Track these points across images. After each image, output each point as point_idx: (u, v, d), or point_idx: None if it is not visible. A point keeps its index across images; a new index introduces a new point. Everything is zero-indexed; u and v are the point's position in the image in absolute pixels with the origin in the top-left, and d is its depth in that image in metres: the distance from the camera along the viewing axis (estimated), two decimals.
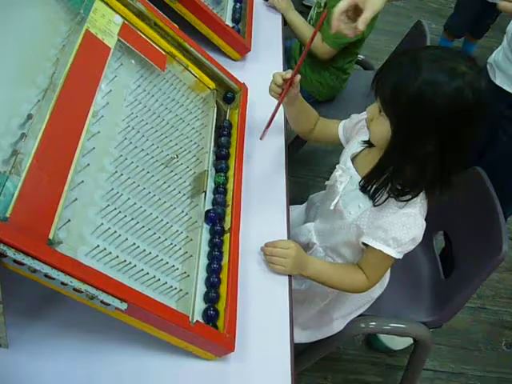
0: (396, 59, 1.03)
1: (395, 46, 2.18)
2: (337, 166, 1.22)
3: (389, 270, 1.34)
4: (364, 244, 1.14)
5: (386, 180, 1.05)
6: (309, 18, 2.02)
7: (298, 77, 1.16)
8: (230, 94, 1.31)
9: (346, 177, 1.17)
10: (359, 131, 1.22)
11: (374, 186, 1.07)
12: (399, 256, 1.10)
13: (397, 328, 1.46)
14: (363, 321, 1.41)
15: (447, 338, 2.06)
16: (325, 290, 1.28)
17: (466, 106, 0.93)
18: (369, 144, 1.13)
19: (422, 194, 1.07)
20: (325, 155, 2.59)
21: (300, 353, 1.47)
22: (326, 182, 1.25)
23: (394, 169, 1.04)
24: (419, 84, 0.93)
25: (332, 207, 1.18)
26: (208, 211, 1.06)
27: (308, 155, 2.51)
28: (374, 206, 1.09)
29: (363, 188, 1.10)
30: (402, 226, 1.07)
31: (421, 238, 1.10)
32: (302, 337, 1.40)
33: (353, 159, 1.19)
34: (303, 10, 2.73)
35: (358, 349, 1.94)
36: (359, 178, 1.13)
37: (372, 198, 1.09)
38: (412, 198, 1.05)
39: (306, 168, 2.49)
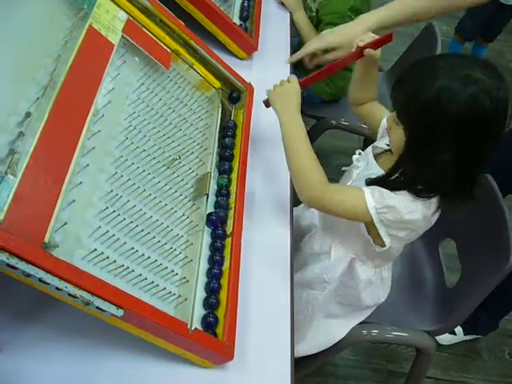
0: (411, 67, 1.02)
1: (404, 47, 2.16)
2: (356, 151, 1.22)
3: (390, 276, 1.31)
4: None
5: (399, 185, 1.04)
6: None
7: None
8: (235, 94, 1.29)
9: (363, 162, 1.17)
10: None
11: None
12: (372, 213, 1.04)
13: (400, 336, 1.43)
14: (365, 328, 1.39)
15: (450, 346, 2.04)
16: (321, 278, 1.27)
17: (483, 113, 0.91)
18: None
19: (437, 198, 1.05)
20: (330, 156, 2.56)
21: (300, 359, 1.45)
22: (343, 168, 1.25)
23: (406, 176, 1.02)
24: (433, 91, 0.92)
25: None
26: (210, 214, 1.04)
27: None
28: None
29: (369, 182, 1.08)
30: (396, 199, 1.03)
31: (405, 219, 1.04)
32: (300, 351, 1.38)
33: (376, 155, 1.18)
34: None
35: (360, 355, 1.92)
36: (376, 165, 1.13)
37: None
38: (426, 197, 1.03)
39: None
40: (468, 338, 2.12)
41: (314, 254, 1.29)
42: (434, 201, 1.06)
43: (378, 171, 1.12)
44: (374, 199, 1.04)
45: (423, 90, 0.94)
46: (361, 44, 1.15)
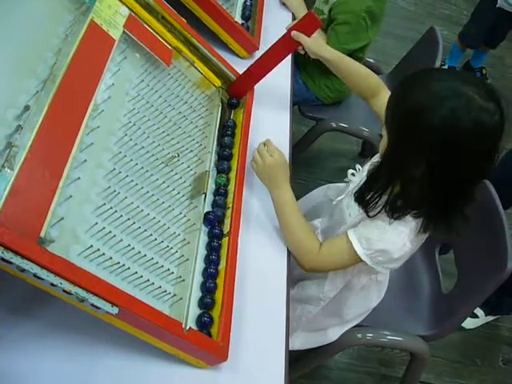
0: (409, 75, 1.00)
1: (405, 50, 2.16)
2: (357, 166, 1.22)
3: (387, 280, 1.31)
4: None
5: (376, 193, 1.02)
6: None
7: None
8: (234, 100, 1.28)
9: (357, 178, 1.17)
10: None
11: (367, 198, 1.04)
12: (366, 260, 1.06)
13: (394, 340, 1.43)
14: (360, 331, 1.39)
15: (444, 351, 2.03)
16: (317, 295, 1.26)
17: (457, 130, 0.88)
18: None
19: (418, 220, 1.03)
20: (328, 158, 2.56)
21: (295, 360, 1.44)
22: (345, 179, 1.24)
23: (383, 183, 1.01)
24: (417, 99, 0.91)
25: (335, 202, 1.18)
26: (207, 213, 1.03)
27: (311, 158, 2.49)
28: (368, 216, 1.05)
29: (356, 198, 1.07)
30: (381, 233, 1.03)
31: (396, 257, 1.05)
32: (296, 343, 1.37)
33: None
34: None
35: (354, 358, 1.91)
36: None
37: (365, 208, 1.05)
38: (400, 216, 1.01)
39: (308, 171, 2.46)
40: (491, 318, 2.13)
41: (311, 274, 1.29)
42: (418, 224, 1.04)
43: None
44: (363, 246, 1.05)
45: (408, 97, 0.93)
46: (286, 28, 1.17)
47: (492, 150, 0.92)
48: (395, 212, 1.01)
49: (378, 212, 1.03)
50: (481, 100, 0.88)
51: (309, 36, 1.19)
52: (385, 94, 1.23)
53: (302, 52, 1.24)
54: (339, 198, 1.18)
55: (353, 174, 1.20)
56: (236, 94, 1.23)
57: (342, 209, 1.16)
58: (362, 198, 1.05)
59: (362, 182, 1.11)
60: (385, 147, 1.00)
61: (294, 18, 1.80)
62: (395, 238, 1.04)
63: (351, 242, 1.06)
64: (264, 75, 1.25)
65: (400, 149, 0.96)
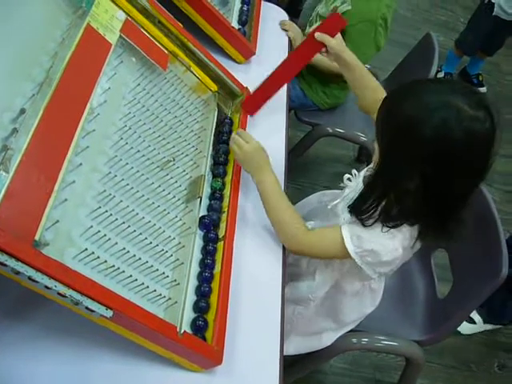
0: (400, 86, 0.99)
1: (401, 56, 2.16)
2: (352, 171, 1.21)
3: (382, 290, 1.31)
4: None
5: (371, 205, 1.02)
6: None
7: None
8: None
9: (353, 183, 1.17)
10: None
11: (362, 209, 1.03)
12: (355, 257, 1.05)
13: (389, 345, 1.43)
14: (355, 336, 1.39)
15: (439, 357, 2.03)
16: (306, 296, 1.26)
17: (449, 141, 0.88)
18: None
19: (414, 228, 1.03)
20: (324, 163, 2.56)
21: (290, 365, 1.44)
22: (342, 184, 1.23)
23: (377, 196, 1.00)
24: (408, 110, 0.91)
25: (329, 206, 1.17)
26: (203, 217, 1.04)
27: (307, 163, 2.49)
28: (364, 226, 1.04)
29: (351, 210, 1.06)
30: (373, 235, 1.03)
31: (387, 261, 1.05)
32: (290, 348, 1.37)
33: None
34: None
35: (349, 363, 1.91)
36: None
37: (360, 219, 1.04)
38: (394, 226, 1.01)
39: (305, 176, 2.46)
40: (489, 327, 2.12)
41: (301, 272, 1.29)
42: (413, 231, 1.04)
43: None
44: (353, 243, 1.05)
45: (398, 110, 0.93)
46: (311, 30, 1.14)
47: (485, 157, 0.92)
48: (390, 221, 1.01)
49: (374, 222, 1.03)
50: (470, 109, 0.88)
51: (333, 37, 1.17)
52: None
53: (325, 54, 1.21)
54: (334, 202, 1.18)
55: (349, 179, 1.20)
56: (255, 106, 1.18)
57: (337, 213, 1.16)
58: (357, 210, 1.04)
59: (358, 189, 1.11)
60: (377, 160, 1.00)
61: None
62: (387, 241, 1.03)
63: (343, 237, 1.06)
64: (289, 80, 1.23)
65: (393, 162, 0.96)
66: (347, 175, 1.20)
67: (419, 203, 0.96)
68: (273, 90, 1.20)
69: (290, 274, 1.29)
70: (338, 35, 1.19)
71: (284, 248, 1.15)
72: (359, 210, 1.04)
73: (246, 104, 1.08)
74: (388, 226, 1.02)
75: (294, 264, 1.29)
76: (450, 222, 0.99)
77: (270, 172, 1.14)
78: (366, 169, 1.18)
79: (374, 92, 1.25)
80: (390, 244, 1.04)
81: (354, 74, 1.25)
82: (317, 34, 1.16)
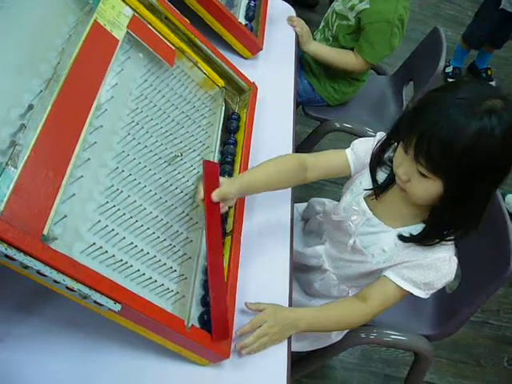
0: (429, 113, 0.91)
1: (409, 51, 2.15)
2: (346, 202, 1.15)
3: None
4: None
5: (442, 231, 1.01)
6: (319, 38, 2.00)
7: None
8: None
9: (361, 218, 1.11)
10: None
11: (439, 237, 1.02)
12: (427, 296, 1.07)
13: (398, 340, 1.42)
14: (364, 331, 1.39)
15: (448, 351, 2.03)
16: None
17: None
18: (382, 189, 1.09)
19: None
20: None
21: (298, 360, 1.44)
22: (334, 217, 1.18)
23: (449, 220, 0.99)
24: (468, 137, 0.86)
25: (349, 247, 1.14)
26: None
27: None
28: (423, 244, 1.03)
29: (421, 240, 1.03)
30: (437, 272, 1.03)
31: (453, 278, 1.06)
32: (299, 346, 1.37)
33: (365, 198, 1.12)
34: None
35: (358, 358, 1.91)
36: (378, 221, 1.09)
37: (431, 245, 1.03)
38: (451, 239, 1.02)
39: None
40: None
41: (330, 296, 1.27)
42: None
43: (382, 228, 1.08)
44: (424, 291, 1.06)
45: (457, 139, 0.87)
46: (200, 198, 0.99)
47: None
48: (448, 237, 1.01)
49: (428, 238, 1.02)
50: (504, 103, 0.88)
51: (217, 183, 1.01)
52: (312, 160, 1.16)
53: (223, 207, 1.02)
54: (351, 241, 1.13)
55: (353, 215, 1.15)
56: (224, 325, 0.92)
57: (359, 249, 1.12)
58: (428, 240, 1.03)
59: (371, 223, 1.10)
60: (429, 195, 0.96)
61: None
62: (448, 268, 1.04)
63: (410, 291, 1.06)
64: (223, 265, 0.99)
65: (466, 187, 0.92)
66: (354, 217, 1.12)
67: (484, 206, 0.96)
68: (222, 291, 0.95)
69: (314, 291, 1.29)
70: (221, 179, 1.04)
71: (291, 241, 1.16)
72: (430, 241, 1.02)
73: (217, 334, 0.88)
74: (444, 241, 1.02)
75: (321, 287, 1.27)
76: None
77: (300, 314, 1.06)
78: (362, 197, 1.12)
79: (290, 170, 1.13)
80: (452, 266, 1.04)
81: (267, 184, 1.11)
82: (215, 197, 0.98)
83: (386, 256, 1.08)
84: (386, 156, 1.08)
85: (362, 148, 1.14)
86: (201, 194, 0.98)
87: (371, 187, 1.10)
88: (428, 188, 0.94)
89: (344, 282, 1.23)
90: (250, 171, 1.11)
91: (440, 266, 1.03)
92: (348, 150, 1.16)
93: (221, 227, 1.00)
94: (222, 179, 1.03)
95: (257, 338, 0.96)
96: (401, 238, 1.05)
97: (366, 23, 1.79)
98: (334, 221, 1.19)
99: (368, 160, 1.11)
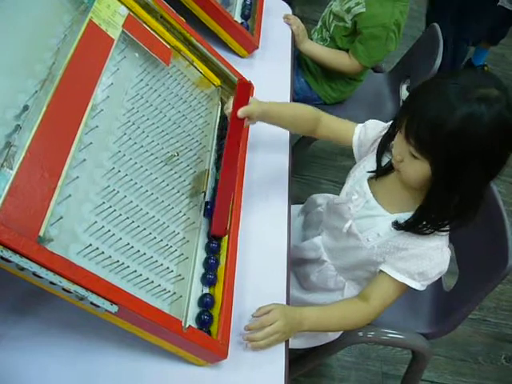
0: (423, 97, 0.94)
1: (406, 48, 2.15)
2: (349, 186, 1.17)
3: None
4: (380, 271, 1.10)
5: (440, 215, 1.01)
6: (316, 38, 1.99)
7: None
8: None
9: (361, 200, 1.13)
10: (375, 150, 1.14)
11: (429, 223, 1.02)
12: (423, 288, 1.07)
13: (396, 338, 1.42)
14: (361, 330, 1.38)
15: (446, 349, 2.03)
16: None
17: (509, 129, 0.89)
18: (384, 171, 1.09)
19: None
20: (329, 157, 2.56)
21: (295, 359, 1.44)
22: (335, 200, 1.20)
23: (441, 206, 0.99)
24: (457, 120, 0.87)
25: (345, 230, 1.14)
26: (207, 203, 1.04)
27: (313, 157, 2.49)
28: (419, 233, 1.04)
29: (412, 227, 1.04)
30: (430, 261, 1.04)
31: (447, 268, 1.07)
32: (297, 342, 1.37)
33: (368, 180, 1.14)
34: None
35: (355, 356, 1.91)
36: (377, 205, 1.10)
37: (422, 233, 1.03)
38: (445, 228, 1.02)
39: (310, 169, 2.46)
40: None
41: (326, 288, 1.27)
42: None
43: (380, 212, 1.09)
44: (418, 281, 1.06)
45: (445, 121, 0.88)
46: (228, 111, 1.11)
47: None
48: (442, 227, 1.02)
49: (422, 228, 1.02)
50: (502, 92, 0.89)
51: (248, 101, 1.09)
52: (326, 118, 1.23)
53: (248, 123, 1.14)
54: (347, 225, 1.13)
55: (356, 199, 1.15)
56: (222, 222, 1.04)
57: (355, 233, 1.13)
58: (417, 227, 1.03)
59: (369, 206, 1.10)
60: (420, 177, 0.97)
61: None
62: (441, 257, 1.05)
63: (404, 283, 1.06)
64: (236, 174, 1.11)
65: (455, 171, 0.93)
66: (355, 196, 1.14)
67: (479, 194, 0.96)
68: (229, 192, 1.08)
69: (312, 286, 1.29)
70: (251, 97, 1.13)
71: (289, 238, 1.16)
72: (419, 227, 1.03)
73: (216, 227, 1.00)
74: (438, 231, 1.02)
75: (317, 279, 1.27)
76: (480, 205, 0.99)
77: (305, 314, 1.06)
78: (366, 180, 1.13)
79: (306, 115, 1.22)
80: (445, 255, 1.05)
81: (284, 120, 1.20)
82: (239, 113, 1.06)
83: (380, 240, 1.09)
84: (392, 143, 1.08)
85: (371, 130, 1.18)
86: (230, 108, 1.09)
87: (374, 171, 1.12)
88: (417, 169, 0.96)
89: (341, 273, 1.23)
90: (278, 103, 1.20)
91: (433, 254, 1.04)
92: (359, 126, 1.21)
93: (240, 142, 1.09)
94: (251, 99, 1.11)
95: (266, 335, 0.97)
96: (395, 224, 1.06)
97: (362, 27, 1.79)
98: (333, 205, 1.21)
99: (370, 144, 1.17)
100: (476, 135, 0.88)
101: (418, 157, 0.94)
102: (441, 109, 0.89)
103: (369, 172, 1.13)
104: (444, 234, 1.04)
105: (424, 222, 1.02)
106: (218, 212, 1.03)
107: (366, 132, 1.19)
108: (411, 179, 1.00)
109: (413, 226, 1.03)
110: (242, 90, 1.10)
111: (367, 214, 1.11)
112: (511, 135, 0.90)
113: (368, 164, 1.15)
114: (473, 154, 0.90)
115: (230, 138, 1.07)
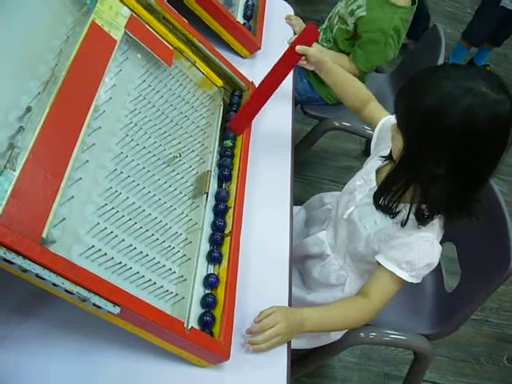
0: (415, 76, 0.98)
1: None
2: (358, 174, 1.19)
3: None
4: (378, 263, 1.10)
5: (394, 196, 1.02)
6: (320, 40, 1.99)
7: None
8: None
9: (365, 187, 1.15)
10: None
11: (385, 201, 1.03)
12: (412, 280, 1.07)
13: (397, 340, 1.43)
14: (363, 330, 1.38)
15: (448, 350, 2.03)
16: (326, 303, 1.25)
17: (477, 127, 0.89)
18: (389, 158, 1.10)
19: (440, 217, 1.04)
20: (331, 157, 2.56)
21: (298, 359, 1.44)
22: (345, 187, 1.22)
23: (401, 185, 1.00)
24: (432, 100, 0.90)
25: (346, 216, 1.15)
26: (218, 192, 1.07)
27: (315, 157, 2.48)
28: (393, 221, 1.05)
29: (375, 203, 1.06)
30: (418, 251, 1.04)
31: (437, 263, 1.07)
32: (299, 343, 1.36)
33: (377, 171, 1.15)
34: None
35: (357, 357, 1.91)
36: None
37: (386, 213, 1.05)
38: (429, 221, 1.02)
39: (312, 170, 2.46)
40: None
41: (328, 284, 1.28)
42: (440, 222, 1.06)
43: None
44: (405, 271, 1.06)
45: (423, 99, 0.92)
46: (290, 41, 1.19)
47: (507, 138, 0.92)
48: (423, 220, 1.02)
49: (407, 219, 1.03)
50: (493, 93, 0.88)
51: (311, 44, 1.19)
52: (374, 105, 1.26)
53: (305, 63, 1.23)
54: (348, 211, 1.16)
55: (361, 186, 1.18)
56: (242, 124, 1.18)
57: (354, 222, 1.14)
58: (379, 201, 1.05)
59: (371, 193, 1.10)
60: (399, 150, 0.99)
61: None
62: (430, 249, 1.05)
63: (392, 271, 1.06)
64: (271, 94, 1.21)
65: (419, 151, 0.96)
66: (360, 181, 1.17)
67: (447, 189, 0.96)
68: (258, 105, 1.19)
69: (313, 283, 1.29)
70: (315, 44, 1.21)
71: (291, 240, 1.16)
72: (381, 202, 1.04)
73: (234, 123, 1.09)
74: (422, 224, 1.03)
75: (319, 275, 1.28)
76: (473, 202, 0.99)
77: (306, 315, 1.05)
78: (375, 170, 1.15)
79: (359, 90, 1.27)
80: (435, 249, 1.06)
81: (334, 78, 1.26)
82: (298, 48, 1.16)
83: (376, 228, 1.10)
84: None
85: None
86: (292, 39, 1.17)
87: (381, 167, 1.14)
88: (398, 144, 0.99)
89: (343, 266, 1.23)
90: (339, 69, 1.27)
91: (421, 244, 1.05)
92: (388, 117, 1.22)
93: (287, 72, 1.17)
94: (316, 44, 1.21)
95: (268, 338, 0.97)
96: (374, 203, 1.07)
97: (362, 31, 1.78)
98: (340, 197, 1.23)
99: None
100: (443, 120, 0.89)
101: (398, 131, 0.98)
102: (423, 89, 0.92)
103: (381, 156, 1.13)
104: (436, 226, 1.04)
105: (382, 198, 1.03)
106: (245, 110, 1.11)
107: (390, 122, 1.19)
108: (395, 154, 1.03)
109: (375, 201, 1.06)
110: (309, 34, 1.16)
111: (369, 201, 1.12)
112: (476, 134, 0.90)
113: (372, 162, 1.18)
114: (438, 138, 0.91)
115: (280, 63, 1.16)
